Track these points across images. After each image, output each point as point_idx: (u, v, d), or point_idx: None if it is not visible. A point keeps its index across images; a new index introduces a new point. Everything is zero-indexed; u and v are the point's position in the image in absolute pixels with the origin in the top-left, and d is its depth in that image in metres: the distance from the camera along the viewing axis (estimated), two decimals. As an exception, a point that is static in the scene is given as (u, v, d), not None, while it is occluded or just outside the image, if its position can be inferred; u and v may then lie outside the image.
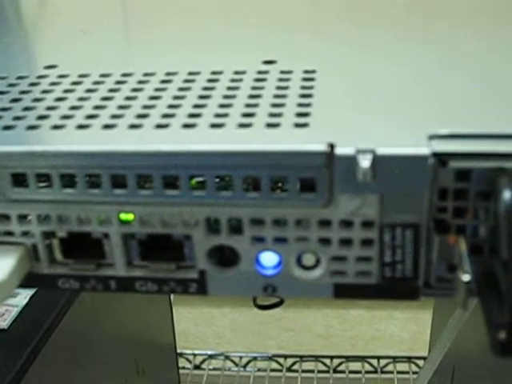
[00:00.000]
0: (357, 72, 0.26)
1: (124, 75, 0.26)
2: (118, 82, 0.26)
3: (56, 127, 0.23)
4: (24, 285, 0.23)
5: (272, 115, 0.23)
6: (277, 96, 0.24)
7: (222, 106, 0.23)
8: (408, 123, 0.22)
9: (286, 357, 0.80)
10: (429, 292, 0.23)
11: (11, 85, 0.26)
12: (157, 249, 0.23)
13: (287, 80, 0.25)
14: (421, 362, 0.79)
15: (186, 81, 0.26)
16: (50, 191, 0.22)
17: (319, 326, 0.82)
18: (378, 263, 0.22)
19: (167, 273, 0.23)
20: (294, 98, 0.24)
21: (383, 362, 0.80)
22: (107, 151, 0.22)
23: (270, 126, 0.22)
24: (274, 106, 0.23)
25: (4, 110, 0.24)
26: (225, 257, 0.23)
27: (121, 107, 0.24)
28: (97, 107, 0.24)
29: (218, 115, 0.23)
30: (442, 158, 0.20)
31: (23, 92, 0.26)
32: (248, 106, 0.23)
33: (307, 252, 0.22)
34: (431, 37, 0.29)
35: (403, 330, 0.79)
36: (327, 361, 0.80)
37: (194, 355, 0.80)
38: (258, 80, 0.25)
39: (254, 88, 0.25)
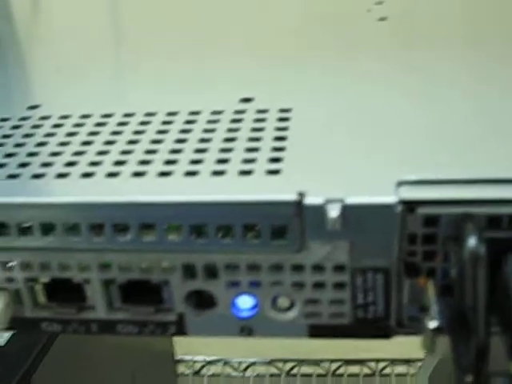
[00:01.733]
0: (331, 111, 0.26)
1: (104, 116, 0.27)
2: (97, 124, 0.26)
3: (35, 176, 0.23)
4: (8, 328, 0.24)
5: (245, 161, 0.23)
6: (251, 139, 0.24)
7: (198, 150, 0.24)
8: (377, 169, 0.22)
9: (285, 361, 0.81)
10: (401, 331, 0.23)
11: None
12: (137, 292, 0.24)
13: (263, 120, 0.26)
14: (419, 364, 0.80)
15: (164, 122, 0.26)
16: (31, 239, 0.23)
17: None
18: (350, 305, 0.23)
19: (147, 315, 0.24)
20: (268, 141, 0.24)
21: (381, 364, 0.81)
22: (85, 202, 0.22)
23: (243, 173, 0.23)
24: (248, 150, 0.24)
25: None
26: (202, 299, 0.23)
27: (99, 153, 0.24)
28: (76, 153, 0.24)
29: (193, 161, 0.23)
30: (409, 206, 0.21)
31: (4, 136, 0.26)
32: (223, 150, 0.24)
33: (282, 295, 0.23)
34: (398, 73, 0.30)
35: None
36: (326, 364, 0.81)
37: (193, 362, 0.81)
38: (234, 121, 0.26)
39: (229, 130, 0.25)
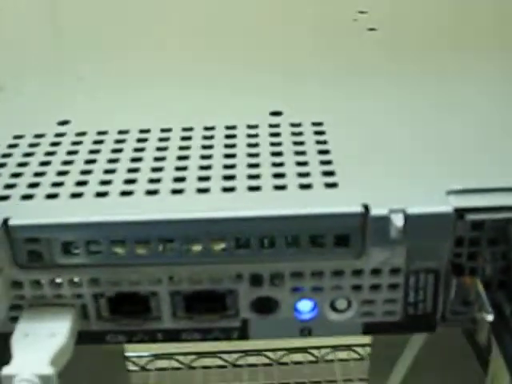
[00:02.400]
0: (363, 124, 0.28)
1: (142, 131, 0.28)
2: (139, 140, 0.28)
3: (99, 194, 0.24)
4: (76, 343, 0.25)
5: (300, 175, 0.25)
6: (298, 153, 0.26)
7: (251, 165, 0.26)
8: (424, 179, 0.25)
9: (230, 353, 0.83)
10: (444, 324, 0.26)
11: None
12: (200, 301, 0.25)
13: (300, 134, 0.28)
14: (360, 350, 0.83)
15: (206, 137, 0.28)
16: (101, 257, 0.24)
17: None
18: (402, 304, 0.25)
19: (211, 323, 0.25)
20: (313, 154, 0.26)
21: (324, 351, 0.84)
22: (155, 220, 0.23)
23: (302, 187, 0.24)
24: (299, 164, 0.26)
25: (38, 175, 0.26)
26: (265, 305, 0.25)
27: (155, 169, 0.26)
28: (131, 170, 0.26)
29: (251, 176, 0.25)
30: (459, 213, 0.23)
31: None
32: (275, 165, 0.26)
33: (340, 297, 0.25)
34: (422, 83, 0.32)
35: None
36: (270, 354, 0.83)
37: (140, 357, 0.82)
38: (273, 135, 0.28)
39: (272, 144, 0.27)
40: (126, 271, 0.24)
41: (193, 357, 0.81)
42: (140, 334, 0.25)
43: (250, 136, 0.28)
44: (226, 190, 0.24)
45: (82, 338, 0.25)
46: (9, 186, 0.25)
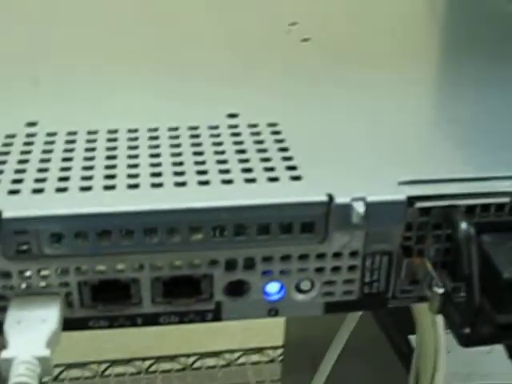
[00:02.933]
0: (315, 122, 0.31)
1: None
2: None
3: (83, 189, 0.26)
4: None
5: (268, 169, 0.28)
6: (260, 151, 0.29)
7: (220, 162, 0.28)
8: (377, 171, 0.28)
9: (143, 359, 0.84)
10: (394, 302, 0.29)
11: None
12: (178, 286, 0.27)
13: (259, 134, 0.30)
14: (271, 352, 0.87)
15: (172, 137, 0.30)
16: (87, 247, 0.26)
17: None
18: (359, 284, 0.28)
19: (187, 306, 0.27)
20: (274, 151, 0.29)
21: (236, 354, 0.87)
22: (140, 210, 0.25)
23: (270, 180, 0.27)
24: (264, 160, 0.28)
25: (20, 172, 0.27)
26: (237, 288, 0.27)
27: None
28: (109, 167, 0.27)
29: (223, 171, 0.27)
30: (411, 200, 0.27)
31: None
32: (242, 161, 0.28)
33: (305, 279, 0.28)
34: (363, 82, 0.36)
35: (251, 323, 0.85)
36: (183, 359, 0.85)
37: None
38: (234, 135, 0.30)
39: (236, 143, 0.29)
40: (111, 260, 0.26)
41: (106, 365, 0.82)
42: (121, 319, 0.27)
43: (213, 136, 0.30)
44: (201, 183, 0.27)
45: (67, 324, 0.26)
46: (-7, 182, 0.26)
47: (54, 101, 0.33)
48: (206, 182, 0.27)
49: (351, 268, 0.28)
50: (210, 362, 0.86)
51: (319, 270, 0.27)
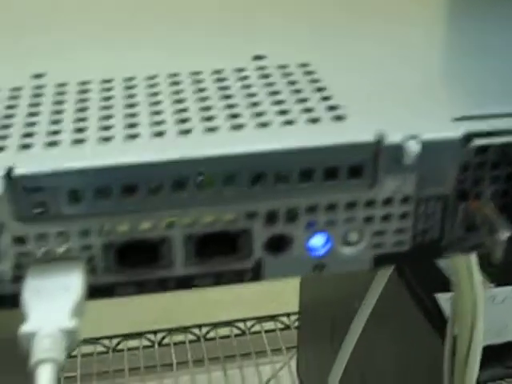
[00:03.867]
0: (350, 62, 0.29)
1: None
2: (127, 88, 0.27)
3: (102, 139, 0.23)
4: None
5: (306, 110, 0.25)
6: (296, 91, 0.26)
7: (254, 104, 0.25)
8: (427, 106, 0.25)
9: (155, 332, 0.82)
10: (448, 251, 0.26)
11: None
12: (212, 244, 0.24)
13: (290, 74, 0.27)
14: (284, 319, 0.84)
15: (197, 81, 0.27)
16: (109, 204, 0.23)
17: (185, 297, 0.84)
18: (411, 232, 0.25)
19: (224, 266, 0.25)
20: (311, 92, 0.26)
21: (249, 323, 0.84)
22: (169, 160, 0.23)
23: (311, 121, 0.24)
24: (301, 101, 0.25)
25: (30, 125, 0.24)
26: (279, 243, 0.25)
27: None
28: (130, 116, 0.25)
29: (257, 114, 0.24)
30: (467, 138, 0.24)
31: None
32: (277, 103, 0.25)
33: (352, 230, 0.25)
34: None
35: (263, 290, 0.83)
36: (196, 330, 0.83)
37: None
38: (264, 76, 0.27)
39: (267, 85, 0.27)
40: (137, 218, 0.23)
41: (118, 339, 0.79)
42: (150, 284, 0.25)
43: (241, 78, 0.27)
44: (233, 128, 0.24)
45: (91, 292, 0.24)
46: (1, 138, 0.24)
47: (60, 52, 0.30)
48: (238, 127, 0.24)
49: (403, 215, 0.25)
50: (223, 331, 0.84)
51: (368, 219, 0.25)
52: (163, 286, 0.25)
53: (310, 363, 0.77)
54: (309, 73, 0.27)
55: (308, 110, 0.25)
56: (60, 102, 0.26)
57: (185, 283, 0.25)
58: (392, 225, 0.25)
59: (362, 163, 0.23)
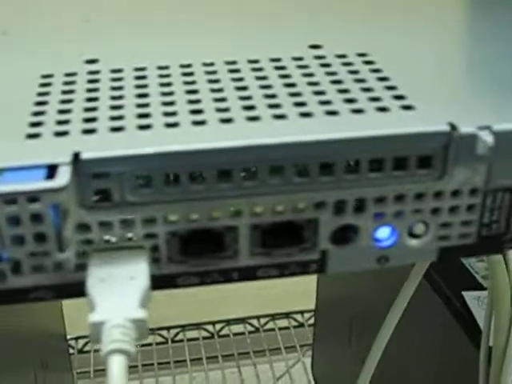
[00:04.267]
0: (409, 52, 0.28)
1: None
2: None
3: (169, 125, 0.23)
4: (148, 287, 0.23)
5: (373, 99, 0.24)
6: (358, 81, 0.25)
7: (318, 93, 0.25)
8: (497, 96, 0.24)
9: (168, 328, 0.81)
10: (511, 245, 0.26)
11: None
12: (276, 235, 0.24)
13: (350, 64, 0.27)
14: (298, 317, 0.84)
15: (255, 69, 0.26)
16: (176, 191, 0.22)
17: (200, 293, 0.83)
18: (477, 225, 0.25)
19: (289, 257, 0.24)
20: (374, 81, 0.25)
21: (263, 320, 0.84)
22: (239, 146, 0.22)
23: (380, 110, 0.24)
24: (366, 90, 0.25)
25: (91, 110, 0.24)
26: (345, 234, 0.24)
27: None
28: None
29: (323, 102, 0.24)
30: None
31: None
32: (342, 91, 0.25)
33: (419, 222, 0.24)
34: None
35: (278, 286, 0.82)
36: (209, 327, 0.82)
37: (76, 339, 0.79)
38: (323, 65, 0.27)
39: (328, 74, 0.26)
40: (204, 206, 0.23)
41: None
42: (214, 275, 0.24)
43: (300, 67, 0.26)
44: (302, 115, 0.23)
45: (153, 283, 0.23)
46: (62, 122, 0.23)
47: (111, 38, 0.30)
48: (307, 114, 0.23)
49: (470, 207, 0.24)
50: (237, 328, 0.83)
51: (435, 210, 0.24)
52: (227, 276, 0.24)
53: (326, 361, 0.77)
54: (368, 62, 0.27)
55: (375, 99, 0.24)
56: (118, 88, 0.25)
57: (248, 274, 0.24)
58: (459, 217, 0.24)
59: (433, 153, 0.23)
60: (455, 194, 0.24)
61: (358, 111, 0.23)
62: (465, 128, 0.23)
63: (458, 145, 0.23)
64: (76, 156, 0.21)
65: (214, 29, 0.31)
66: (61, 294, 0.23)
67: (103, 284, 0.22)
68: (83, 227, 0.22)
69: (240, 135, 0.22)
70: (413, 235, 0.25)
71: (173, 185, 0.22)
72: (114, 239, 0.23)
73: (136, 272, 0.22)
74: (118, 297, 0.21)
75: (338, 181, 0.23)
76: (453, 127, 0.23)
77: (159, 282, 0.23)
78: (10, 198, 0.20)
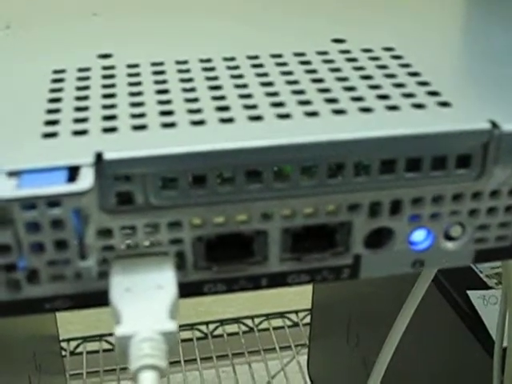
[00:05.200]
0: (437, 46, 0.27)
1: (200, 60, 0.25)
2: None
3: (195, 123, 0.21)
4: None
5: (407, 96, 0.23)
6: (388, 76, 0.24)
7: (347, 89, 0.23)
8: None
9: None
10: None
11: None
12: (307, 239, 0.23)
13: (378, 59, 0.25)
14: (293, 316, 0.83)
15: (279, 64, 0.25)
16: (203, 193, 0.21)
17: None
18: (514, 227, 0.24)
19: (320, 262, 0.23)
20: (405, 77, 0.24)
21: (257, 320, 0.82)
22: (269, 146, 0.21)
23: (415, 106, 0.22)
24: (398, 86, 0.24)
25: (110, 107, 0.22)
26: (379, 238, 0.23)
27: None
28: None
29: (354, 99, 0.23)
30: None
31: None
32: (373, 87, 0.23)
33: (456, 224, 0.23)
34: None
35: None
36: (203, 327, 0.81)
37: (68, 341, 0.77)
38: (350, 60, 0.25)
39: (356, 68, 0.25)
40: (232, 209, 0.21)
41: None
42: (242, 281, 0.23)
43: (326, 61, 0.25)
44: (334, 112, 0.22)
45: (179, 290, 0.22)
46: (79, 120, 0.21)
47: (123, 32, 0.28)
48: (339, 111, 0.22)
49: (508, 209, 0.23)
50: (231, 328, 0.82)
51: (473, 212, 0.23)
52: (255, 283, 0.23)
53: (323, 360, 0.76)
54: (396, 57, 0.26)
55: (409, 96, 0.23)
56: (136, 84, 0.24)
57: (278, 281, 0.23)
58: (496, 218, 0.23)
59: (472, 152, 0.22)
60: (494, 194, 0.23)
61: (393, 108, 0.22)
62: (507, 125, 0.21)
63: (499, 143, 0.22)
64: (99, 156, 0.20)
65: (233, 22, 0.29)
66: (80, 304, 0.22)
67: (129, 294, 0.20)
68: (105, 233, 0.21)
69: (270, 134, 0.21)
70: (449, 238, 0.23)
71: (199, 187, 0.21)
72: (137, 245, 0.21)
73: (163, 280, 0.21)
74: (145, 307, 0.20)
75: (373, 181, 0.22)
76: (494, 125, 0.21)
77: (184, 289, 0.22)
78: (29, 203, 0.19)
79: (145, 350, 0.19)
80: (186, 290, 0.22)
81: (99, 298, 0.21)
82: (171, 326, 0.20)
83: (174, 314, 0.20)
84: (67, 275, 0.21)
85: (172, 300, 0.20)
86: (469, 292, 0.52)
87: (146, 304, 0.20)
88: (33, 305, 0.21)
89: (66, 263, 0.20)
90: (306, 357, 0.77)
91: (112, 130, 0.21)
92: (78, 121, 0.21)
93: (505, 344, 0.42)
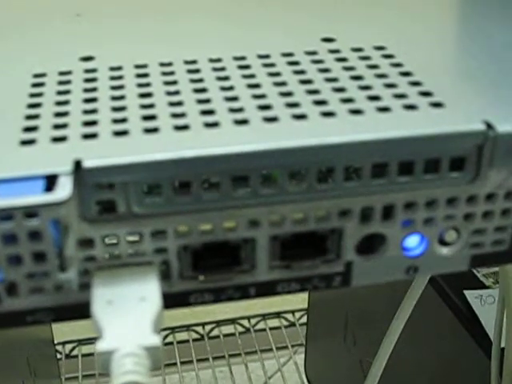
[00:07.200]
0: (427, 45, 0.26)
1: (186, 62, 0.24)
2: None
3: (178, 128, 0.21)
4: (159, 307, 0.21)
5: (398, 96, 0.22)
6: (379, 76, 0.23)
7: (337, 90, 0.23)
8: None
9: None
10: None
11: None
12: (297, 246, 0.22)
13: (368, 58, 0.25)
14: (289, 316, 0.82)
15: (266, 65, 0.24)
16: (188, 200, 0.20)
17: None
18: (511, 231, 0.23)
19: (311, 270, 0.22)
20: (396, 76, 0.23)
21: (254, 320, 0.82)
22: (257, 151, 0.20)
23: (407, 107, 0.22)
24: (389, 86, 0.23)
25: (91, 112, 0.21)
26: (371, 244, 0.22)
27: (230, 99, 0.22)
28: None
29: (344, 100, 0.22)
30: None
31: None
32: (363, 88, 0.23)
33: (450, 229, 0.22)
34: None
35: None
36: (199, 328, 0.80)
37: (64, 344, 0.76)
38: (340, 60, 0.25)
39: (346, 69, 0.24)
40: (218, 216, 0.20)
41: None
42: (229, 291, 0.22)
43: (315, 62, 0.24)
44: (323, 115, 0.21)
45: (163, 301, 0.21)
46: (59, 126, 0.21)
47: (106, 33, 0.27)
48: (329, 114, 0.21)
49: (504, 212, 0.22)
50: (228, 329, 0.81)
51: (468, 216, 0.22)
52: (243, 292, 0.22)
53: (320, 360, 0.75)
54: (387, 56, 0.25)
55: (401, 96, 0.22)
56: (119, 87, 0.23)
57: (267, 289, 0.22)
58: (492, 222, 0.22)
59: (466, 154, 0.21)
60: (489, 197, 0.22)
61: (384, 109, 0.21)
62: (502, 126, 0.21)
63: (494, 145, 0.21)
64: (77, 164, 0.19)
65: (218, 23, 0.28)
66: (62, 317, 0.21)
67: (111, 307, 0.20)
68: (86, 243, 0.20)
69: (257, 138, 0.20)
70: (443, 243, 0.23)
71: (184, 194, 0.20)
72: (120, 255, 0.20)
73: (147, 291, 0.20)
74: (127, 321, 0.19)
75: (364, 186, 0.21)
76: (489, 126, 0.21)
77: (170, 300, 0.21)
78: (5, 214, 0.18)
79: (127, 365, 0.18)
80: (172, 300, 0.21)
81: (82, 311, 0.20)
82: (154, 340, 0.19)
83: (157, 328, 0.19)
84: (47, 288, 0.20)
85: (156, 313, 0.19)
86: (466, 292, 0.51)
87: (128, 317, 0.19)
88: (14, 318, 0.21)
89: (45, 275, 0.20)
90: (302, 357, 0.76)
91: (92, 136, 0.20)
92: (57, 127, 0.21)
93: (502, 344, 0.42)
